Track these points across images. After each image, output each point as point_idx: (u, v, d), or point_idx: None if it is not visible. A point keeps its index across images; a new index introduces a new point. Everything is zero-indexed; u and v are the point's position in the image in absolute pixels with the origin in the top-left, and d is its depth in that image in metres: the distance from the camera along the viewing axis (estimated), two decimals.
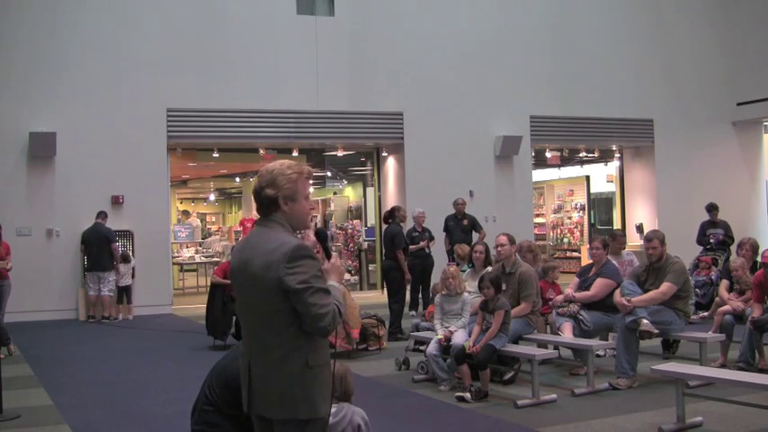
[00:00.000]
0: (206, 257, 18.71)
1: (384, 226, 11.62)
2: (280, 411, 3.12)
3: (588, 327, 7.64)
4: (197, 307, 13.50)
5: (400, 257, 10.71)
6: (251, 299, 3.18)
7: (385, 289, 11.46)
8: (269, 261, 3.07)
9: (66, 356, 9.84)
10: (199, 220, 25.43)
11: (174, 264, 16.75)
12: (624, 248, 9.61)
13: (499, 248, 7.81)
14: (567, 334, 7.58)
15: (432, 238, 12.28)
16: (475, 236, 12.67)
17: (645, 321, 6.99)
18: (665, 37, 17.98)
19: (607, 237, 8.96)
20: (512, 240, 7.89)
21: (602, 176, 20.25)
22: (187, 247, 19.35)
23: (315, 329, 3.07)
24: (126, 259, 13.43)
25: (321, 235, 3.48)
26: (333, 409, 3.74)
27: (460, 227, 12.85)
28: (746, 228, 16.11)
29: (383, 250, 11.54)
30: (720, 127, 18.43)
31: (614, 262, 8.40)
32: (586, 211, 20.03)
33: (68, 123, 13.51)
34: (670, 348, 8.40)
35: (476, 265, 8.45)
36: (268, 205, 3.20)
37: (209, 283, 12.37)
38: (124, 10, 14.12)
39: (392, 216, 11.16)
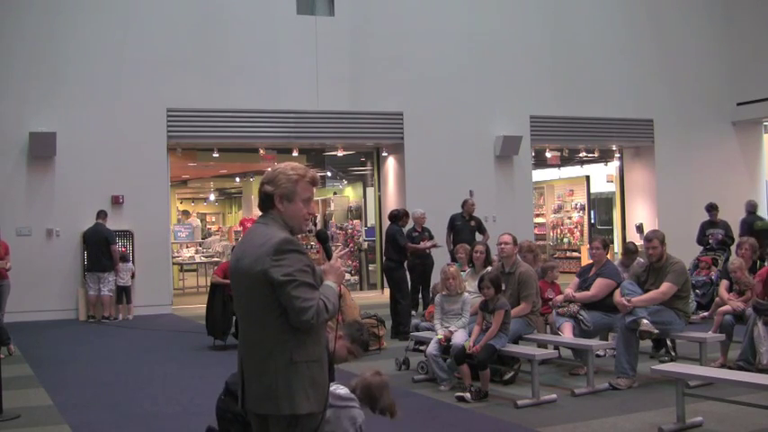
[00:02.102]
0: (206, 257, 18.71)
1: (387, 225, 11.73)
2: (264, 406, 3.13)
3: (588, 327, 7.64)
4: (197, 307, 13.50)
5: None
6: (242, 294, 3.22)
7: (386, 289, 11.51)
8: (257, 255, 3.10)
9: (66, 356, 9.84)
10: (199, 220, 25.43)
11: (174, 264, 16.75)
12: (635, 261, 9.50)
13: (502, 245, 7.80)
14: (567, 334, 7.58)
15: (431, 238, 12.29)
16: (478, 237, 12.64)
17: (645, 321, 6.99)
18: (665, 37, 17.97)
19: (606, 238, 8.92)
20: (515, 241, 7.91)
21: (602, 176, 20.25)
22: (187, 247, 19.35)
23: (298, 323, 3.08)
24: (124, 259, 13.44)
25: (322, 236, 3.49)
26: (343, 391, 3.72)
27: (468, 227, 12.82)
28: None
29: (383, 250, 11.58)
30: (720, 127, 18.43)
31: (625, 275, 8.38)
32: (586, 211, 20.03)
33: (68, 123, 13.51)
34: (665, 350, 8.33)
35: (476, 265, 8.45)
36: (265, 201, 3.26)
37: (209, 283, 12.38)
38: (124, 10, 14.12)
39: (397, 218, 11.27)
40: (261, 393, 3.13)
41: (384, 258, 11.33)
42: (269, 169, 3.34)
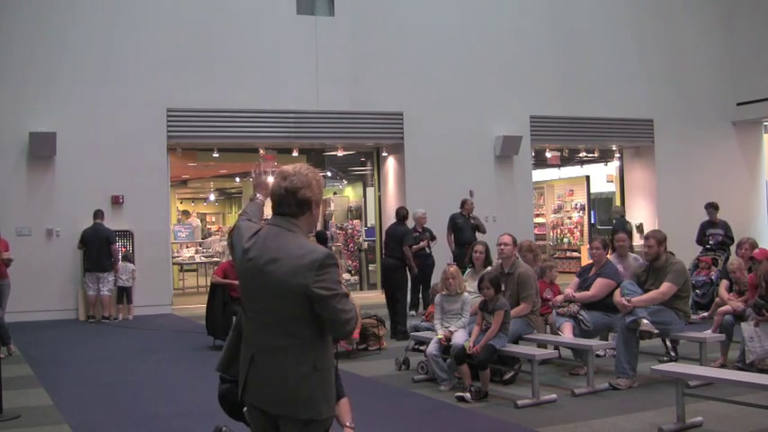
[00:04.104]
0: (206, 257, 18.71)
1: (387, 224, 11.82)
2: (282, 408, 3.15)
3: (588, 327, 7.64)
4: (197, 307, 13.50)
5: (409, 254, 11.02)
6: (266, 299, 3.18)
7: (383, 288, 11.56)
8: (296, 267, 3.08)
9: (66, 356, 9.84)
10: (199, 220, 25.43)
11: (174, 264, 16.75)
12: (630, 251, 9.52)
13: (502, 246, 7.81)
14: (567, 334, 7.58)
15: (433, 238, 12.38)
16: (479, 236, 12.70)
17: (645, 321, 6.99)
18: (665, 37, 17.97)
19: (606, 238, 8.94)
20: (514, 242, 7.91)
21: (602, 176, 20.25)
22: (187, 247, 19.34)
23: (341, 333, 3.20)
24: (128, 259, 13.45)
25: (321, 237, 3.53)
26: None
27: (469, 225, 12.91)
28: (746, 228, 16.11)
29: (384, 249, 11.57)
30: (720, 127, 18.43)
31: (620, 266, 8.39)
32: (586, 211, 20.03)
33: (68, 123, 13.50)
34: (665, 350, 8.34)
35: (476, 265, 8.45)
36: (300, 206, 3.20)
37: (209, 283, 12.37)
38: (124, 10, 14.12)
39: (405, 218, 11.48)
40: (280, 397, 3.15)
41: (386, 257, 11.26)
42: (288, 170, 3.22)
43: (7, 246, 10.43)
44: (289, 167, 3.27)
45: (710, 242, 13.00)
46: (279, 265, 3.11)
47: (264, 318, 3.20)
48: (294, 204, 3.19)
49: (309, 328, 3.11)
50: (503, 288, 7.30)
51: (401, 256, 10.93)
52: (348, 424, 4.06)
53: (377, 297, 14.92)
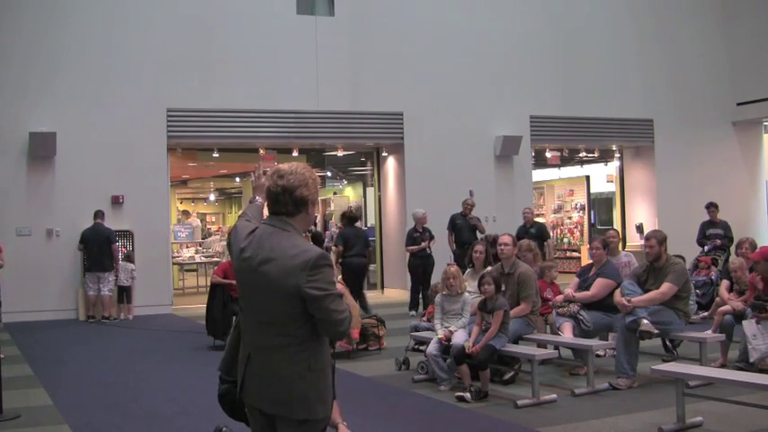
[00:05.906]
0: (206, 257, 18.71)
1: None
2: (277, 408, 3.16)
3: (588, 327, 7.65)
4: (197, 307, 13.50)
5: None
6: (261, 298, 3.18)
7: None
8: (288, 267, 3.08)
9: (66, 356, 9.84)
10: (199, 220, 25.42)
11: (174, 264, 16.75)
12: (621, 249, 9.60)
13: (502, 247, 7.81)
14: (567, 334, 7.58)
15: (431, 238, 12.39)
16: (479, 236, 12.73)
17: (645, 321, 6.99)
18: (665, 37, 17.97)
19: (605, 238, 8.92)
20: (514, 242, 7.91)
21: (602, 176, 20.25)
22: (187, 247, 19.35)
23: (334, 334, 3.18)
24: (129, 258, 13.45)
25: (317, 238, 3.54)
26: None
27: (468, 226, 12.94)
28: (746, 228, 16.11)
29: (348, 250, 11.41)
30: (720, 127, 18.43)
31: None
32: (586, 211, 20.03)
33: (68, 123, 13.50)
34: (665, 350, 8.36)
35: (476, 265, 8.45)
36: (297, 205, 3.19)
37: (209, 283, 12.37)
38: (124, 10, 14.12)
39: (355, 219, 12.06)
40: (276, 396, 3.15)
41: (356, 255, 11.30)
42: (284, 169, 3.21)
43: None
44: (284, 166, 3.25)
45: (708, 244, 12.97)
46: (273, 264, 3.11)
47: (260, 317, 3.20)
48: (290, 203, 3.18)
49: (304, 328, 3.11)
50: (503, 288, 7.30)
51: (366, 255, 11.79)
52: (341, 422, 4.07)
53: (376, 297, 14.93)
